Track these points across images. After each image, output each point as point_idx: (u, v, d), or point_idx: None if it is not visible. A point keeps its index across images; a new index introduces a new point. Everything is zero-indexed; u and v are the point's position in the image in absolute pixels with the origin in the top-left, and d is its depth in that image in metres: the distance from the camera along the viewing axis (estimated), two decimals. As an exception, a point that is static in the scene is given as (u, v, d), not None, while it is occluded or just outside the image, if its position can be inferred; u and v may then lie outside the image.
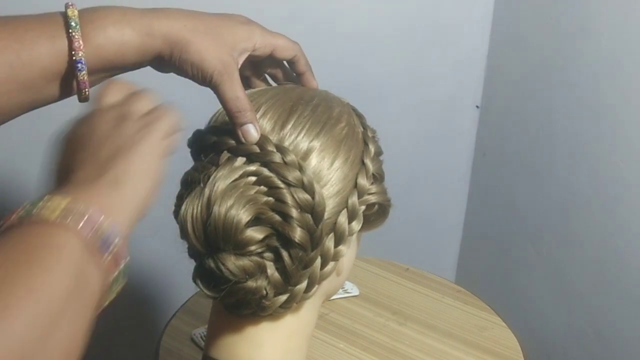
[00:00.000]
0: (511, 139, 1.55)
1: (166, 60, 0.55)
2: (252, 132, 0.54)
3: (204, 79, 0.56)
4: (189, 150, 0.60)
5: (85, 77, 0.52)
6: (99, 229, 0.41)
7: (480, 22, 1.54)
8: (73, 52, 0.51)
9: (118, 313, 1.53)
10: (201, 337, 1.08)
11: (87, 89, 0.53)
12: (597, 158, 1.27)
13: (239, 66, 0.58)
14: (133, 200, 0.46)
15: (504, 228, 1.62)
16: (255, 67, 0.66)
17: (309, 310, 0.60)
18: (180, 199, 0.55)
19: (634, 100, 1.17)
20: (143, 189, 0.47)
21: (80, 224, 0.40)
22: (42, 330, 0.36)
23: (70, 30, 0.51)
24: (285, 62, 0.66)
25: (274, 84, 0.68)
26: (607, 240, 1.27)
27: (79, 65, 0.51)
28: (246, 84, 0.67)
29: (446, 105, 1.61)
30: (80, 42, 0.51)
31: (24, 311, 0.35)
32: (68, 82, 0.53)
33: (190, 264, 0.60)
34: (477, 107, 1.64)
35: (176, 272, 1.41)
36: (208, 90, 0.59)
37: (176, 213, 0.56)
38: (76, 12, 0.52)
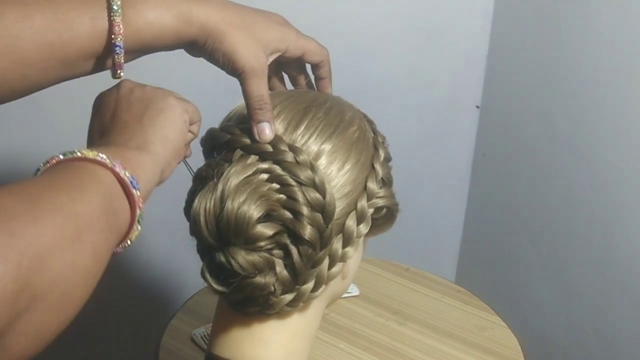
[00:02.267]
0: (511, 139, 1.55)
1: (199, 47, 0.56)
2: (267, 131, 0.56)
3: (234, 70, 0.57)
4: (194, 153, 0.61)
5: (122, 60, 0.53)
6: (126, 174, 0.47)
7: (480, 22, 1.54)
8: (112, 37, 0.52)
9: (118, 313, 1.54)
10: (201, 337, 1.08)
11: (121, 71, 0.55)
12: (597, 158, 1.27)
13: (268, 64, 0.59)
14: (153, 165, 0.51)
15: (504, 228, 1.62)
16: (277, 67, 0.66)
17: (314, 310, 0.60)
18: (192, 194, 0.56)
19: (634, 100, 1.17)
20: (162, 157, 0.52)
21: (111, 164, 0.46)
22: (68, 237, 0.40)
23: (111, 14, 0.51)
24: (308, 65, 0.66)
25: (290, 85, 0.68)
26: (607, 239, 1.27)
27: (117, 49, 0.52)
28: None
29: (446, 105, 1.61)
30: (121, 26, 0.51)
31: (50, 220, 0.39)
32: (104, 60, 0.54)
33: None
34: (477, 107, 1.64)
35: (176, 272, 1.41)
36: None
37: (187, 208, 0.57)
38: None
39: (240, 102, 0.61)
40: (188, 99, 0.72)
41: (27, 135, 1.17)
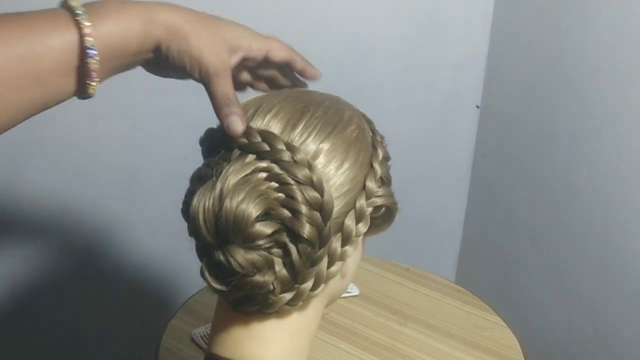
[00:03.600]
0: (511, 139, 1.55)
1: (164, 52, 0.56)
2: (238, 123, 0.55)
3: (200, 72, 0.56)
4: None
5: (97, 65, 0.52)
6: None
7: (480, 22, 1.54)
8: (84, 39, 0.51)
9: (118, 313, 1.53)
10: (201, 337, 1.08)
11: (97, 79, 0.53)
12: (597, 158, 1.27)
13: (234, 64, 0.59)
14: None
15: (504, 228, 1.62)
16: (254, 73, 0.66)
17: (314, 310, 0.60)
18: (191, 195, 0.56)
19: (634, 100, 1.17)
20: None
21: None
22: None
23: (78, 19, 0.51)
24: (285, 68, 0.66)
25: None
26: (607, 239, 1.27)
27: (90, 52, 0.51)
28: (243, 89, 0.68)
29: (446, 105, 1.61)
30: (90, 29, 0.51)
31: None
32: (79, 76, 0.53)
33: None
34: (477, 107, 1.64)
35: (176, 272, 1.41)
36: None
37: (185, 208, 0.56)
38: (79, 3, 0.52)
39: (240, 101, 0.61)
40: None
41: (27, 136, 1.17)
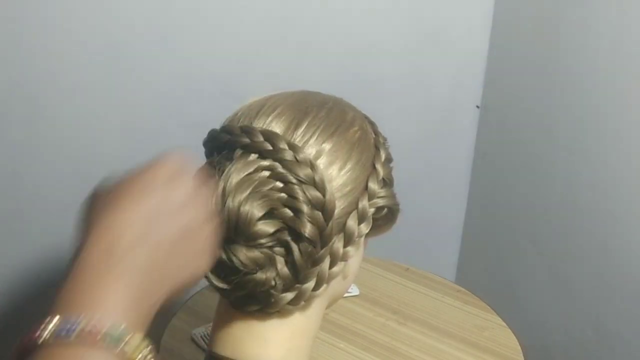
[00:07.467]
0: (511, 139, 1.55)
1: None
2: None
3: None
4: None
5: None
6: (106, 335, 0.41)
7: (480, 22, 1.54)
8: None
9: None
10: (201, 337, 1.08)
11: None
12: (597, 158, 1.27)
13: None
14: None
15: (504, 228, 1.62)
16: None
17: (315, 310, 0.60)
18: None
19: (634, 100, 1.17)
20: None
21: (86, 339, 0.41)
22: None
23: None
24: None
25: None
26: (607, 240, 1.27)
27: None
28: None
29: (446, 105, 1.61)
30: None
31: None
32: None
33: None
34: (477, 107, 1.64)
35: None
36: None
37: None
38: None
39: (244, 101, 0.61)
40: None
41: (27, 135, 1.17)
